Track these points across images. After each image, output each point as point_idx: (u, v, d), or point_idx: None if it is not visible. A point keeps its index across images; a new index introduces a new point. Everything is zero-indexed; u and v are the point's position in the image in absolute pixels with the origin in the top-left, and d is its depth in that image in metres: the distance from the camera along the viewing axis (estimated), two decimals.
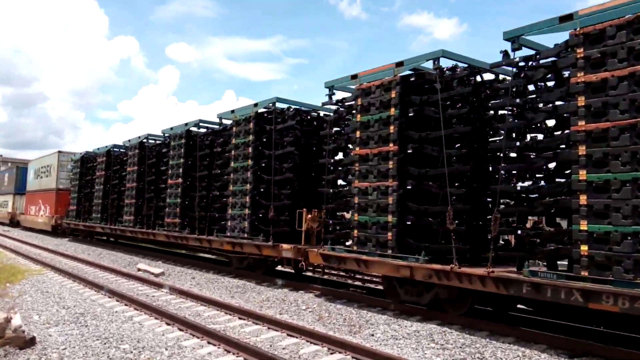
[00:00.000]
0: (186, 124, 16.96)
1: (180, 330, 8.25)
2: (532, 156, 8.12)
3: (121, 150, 22.91)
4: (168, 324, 8.64)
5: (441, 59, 9.20)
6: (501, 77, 9.60)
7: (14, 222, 39.54)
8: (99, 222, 23.09)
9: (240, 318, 9.21)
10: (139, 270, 15.70)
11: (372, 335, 8.14)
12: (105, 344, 7.34)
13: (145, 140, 20.48)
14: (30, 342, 7.07)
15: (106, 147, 23.31)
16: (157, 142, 20.06)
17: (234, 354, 6.98)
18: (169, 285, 12.32)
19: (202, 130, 16.79)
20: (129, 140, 21.27)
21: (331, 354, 7.09)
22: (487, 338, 7.90)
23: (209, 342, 7.52)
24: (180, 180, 16.81)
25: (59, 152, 30.70)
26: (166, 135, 18.53)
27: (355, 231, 10.24)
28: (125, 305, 10.27)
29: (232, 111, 14.82)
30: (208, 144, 16.13)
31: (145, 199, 19.35)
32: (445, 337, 7.89)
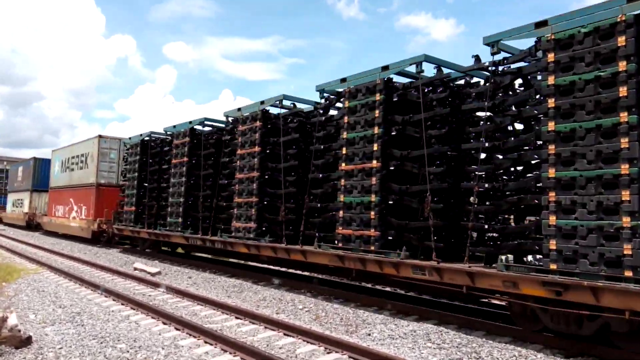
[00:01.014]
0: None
1: (177, 329, 8.25)
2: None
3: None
4: (165, 324, 8.63)
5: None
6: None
7: (32, 225, 33.44)
8: (181, 229, 16.35)
9: (237, 317, 9.20)
10: (135, 269, 15.67)
11: (369, 334, 8.15)
12: (101, 343, 7.33)
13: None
14: (27, 342, 7.06)
15: (189, 123, 16.61)
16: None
17: (230, 353, 6.98)
18: (166, 285, 12.31)
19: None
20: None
21: (328, 353, 7.10)
22: (484, 337, 7.92)
23: (205, 342, 7.52)
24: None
25: (100, 136, 24.03)
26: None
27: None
28: (122, 304, 10.25)
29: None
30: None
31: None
32: (442, 337, 7.91)
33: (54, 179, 29.84)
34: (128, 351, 6.94)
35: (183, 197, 16.37)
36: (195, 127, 16.71)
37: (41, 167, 33.51)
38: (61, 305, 9.93)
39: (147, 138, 19.53)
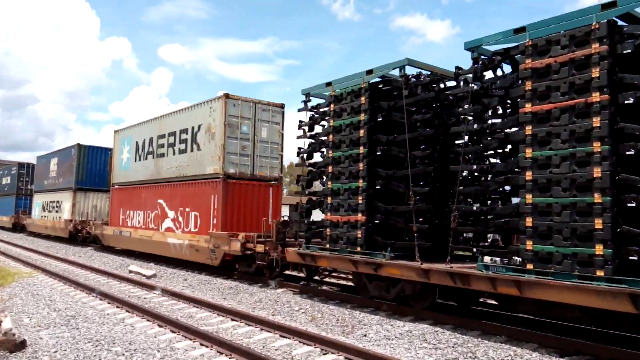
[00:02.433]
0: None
1: (173, 332, 8.23)
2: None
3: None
4: (160, 326, 8.61)
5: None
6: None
7: (79, 237, 25.12)
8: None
9: (232, 319, 9.19)
10: (130, 272, 15.62)
11: (365, 335, 8.15)
12: (96, 346, 7.30)
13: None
14: (21, 345, 7.01)
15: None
16: None
17: (226, 355, 6.97)
18: (161, 287, 12.28)
19: None
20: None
21: (324, 354, 7.10)
22: (479, 337, 7.93)
23: (201, 344, 7.51)
24: None
25: (227, 96, 15.09)
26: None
27: None
28: (117, 307, 10.22)
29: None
30: None
31: None
32: (438, 337, 7.92)
33: (120, 172, 21.44)
34: (123, 354, 6.92)
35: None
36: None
37: (89, 156, 25.23)
38: (56, 309, 9.88)
39: (379, 79, 10.86)
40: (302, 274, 13.68)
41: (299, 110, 12.39)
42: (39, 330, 8.20)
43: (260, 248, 13.16)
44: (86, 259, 19.31)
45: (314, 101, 12.28)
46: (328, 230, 10.98)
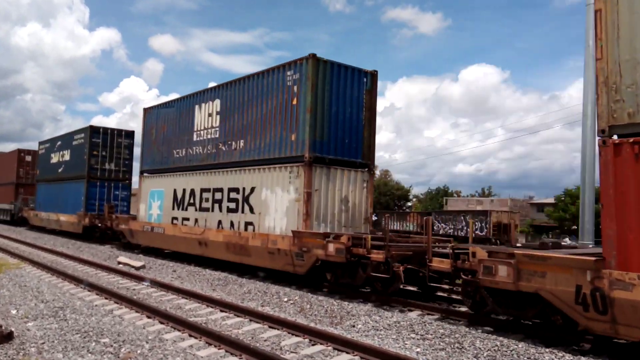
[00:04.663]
0: None
1: (162, 323, 8.22)
2: None
3: None
4: (149, 317, 8.60)
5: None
6: None
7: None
8: None
9: (221, 311, 9.21)
10: (119, 263, 15.57)
11: (353, 326, 8.21)
12: (85, 337, 7.28)
13: None
14: (8, 337, 6.98)
15: None
16: None
17: (215, 346, 6.98)
18: (150, 279, 12.25)
19: None
20: None
21: (312, 345, 7.14)
22: (466, 328, 8.02)
23: (190, 335, 7.51)
24: None
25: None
26: None
27: None
28: (106, 298, 10.19)
29: None
30: None
31: None
32: (425, 328, 8.00)
33: None
34: (112, 345, 6.91)
35: None
36: None
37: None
38: (43, 300, 9.83)
39: None
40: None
41: None
42: (27, 322, 8.16)
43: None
44: (74, 250, 19.19)
45: None
46: None
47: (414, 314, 8.85)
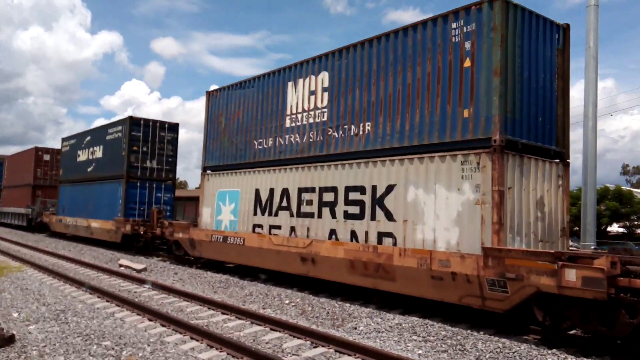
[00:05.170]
0: None
1: (163, 326, 8.22)
2: None
3: None
4: (150, 320, 8.60)
5: None
6: None
7: None
8: None
9: (223, 313, 9.20)
10: (120, 266, 15.57)
11: (355, 328, 8.20)
12: (86, 340, 7.27)
13: None
14: (10, 340, 6.98)
15: None
16: None
17: (217, 349, 6.98)
18: (151, 281, 12.25)
19: None
20: None
21: (314, 347, 7.13)
22: (468, 330, 8.00)
23: (191, 338, 7.51)
24: None
25: None
26: None
27: None
28: (107, 301, 10.18)
29: None
30: None
31: None
32: (427, 330, 7.98)
33: None
34: (113, 348, 6.90)
35: None
36: None
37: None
38: (45, 303, 9.83)
39: None
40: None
41: None
42: (28, 325, 8.16)
43: None
44: (76, 253, 19.20)
45: None
46: None
47: (415, 316, 8.83)
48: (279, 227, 12.61)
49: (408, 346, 7.21)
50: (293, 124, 12.73)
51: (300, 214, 12.04)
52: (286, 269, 12.12)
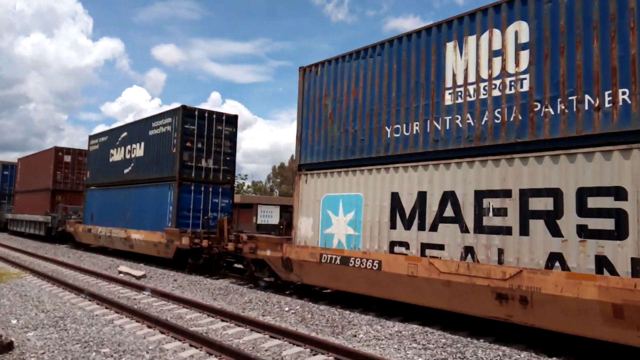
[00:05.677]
0: None
1: (162, 333, 8.20)
2: None
3: None
4: (149, 327, 8.57)
5: None
6: None
7: None
8: None
9: (222, 320, 9.17)
10: (120, 273, 15.54)
11: (355, 336, 8.18)
12: (85, 347, 7.25)
13: None
14: (8, 347, 6.96)
15: None
16: None
17: (216, 356, 6.95)
18: (151, 288, 12.22)
19: None
20: None
21: (314, 355, 7.11)
22: (468, 337, 7.99)
23: (191, 345, 7.48)
24: None
25: None
26: None
27: None
28: (106, 308, 10.16)
29: None
30: None
31: None
32: (427, 337, 7.96)
33: None
34: (112, 355, 6.88)
35: None
36: None
37: None
38: (44, 310, 9.81)
39: None
40: None
41: None
42: (27, 332, 8.14)
43: None
44: (75, 260, 19.16)
45: None
46: None
47: (415, 324, 8.81)
48: (440, 247, 8.84)
49: (408, 354, 7.19)
50: (459, 100, 8.99)
51: (482, 229, 8.28)
52: (465, 309, 8.24)
